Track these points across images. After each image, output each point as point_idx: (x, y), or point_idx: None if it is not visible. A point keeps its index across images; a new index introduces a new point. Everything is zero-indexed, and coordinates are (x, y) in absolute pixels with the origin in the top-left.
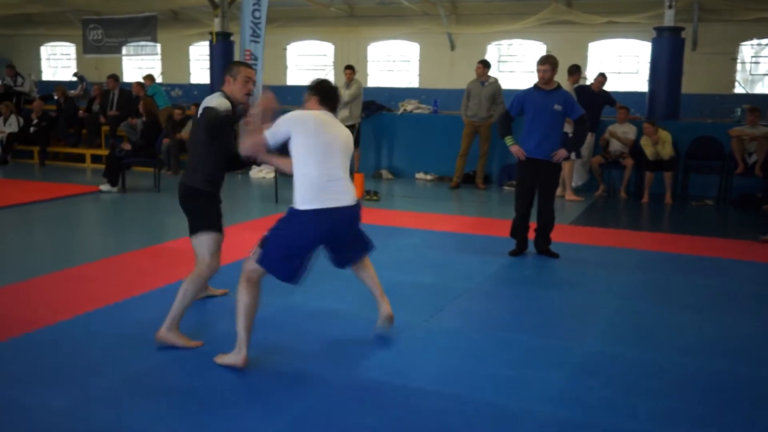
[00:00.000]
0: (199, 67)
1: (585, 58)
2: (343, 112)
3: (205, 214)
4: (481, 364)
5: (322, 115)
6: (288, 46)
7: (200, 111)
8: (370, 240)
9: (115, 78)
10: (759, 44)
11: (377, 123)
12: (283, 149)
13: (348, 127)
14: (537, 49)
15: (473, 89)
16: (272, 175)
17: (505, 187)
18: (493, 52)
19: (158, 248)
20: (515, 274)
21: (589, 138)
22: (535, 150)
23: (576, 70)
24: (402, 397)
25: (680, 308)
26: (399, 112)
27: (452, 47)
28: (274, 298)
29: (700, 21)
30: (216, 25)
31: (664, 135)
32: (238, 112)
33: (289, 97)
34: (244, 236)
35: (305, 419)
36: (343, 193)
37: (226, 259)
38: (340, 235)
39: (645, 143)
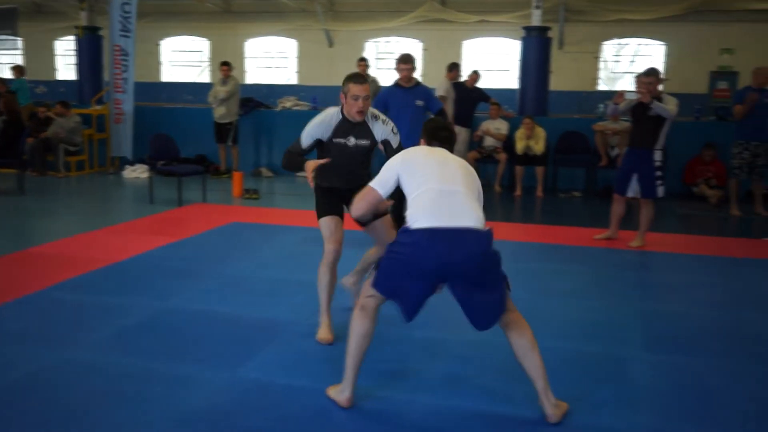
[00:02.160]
0: (65, 63)
1: (459, 55)
2: (220, 109)
3: (317, 204)
4: (364, 359)
5: (429, 147)
6: (161, 42)
7: None
8: (505, 294)
9: None
10: (619, 44)
11: (256, 120)
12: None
13: (225, 124)
14: (414, 46)
15: None
16: (146, 175)
17: None
18: (370, 49)
19: (25, 254)
20: None
21: (465, 134)
22: (403, 144)
23: (454, 68)
24: (285, 396)
25: (552, 295)
26: (278, 109)
27: (330, 44)
28: (152, 301)
29: (566, 21)
30: (83, 19)
31: (539, 131)
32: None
33: (164, 95)
34: (115, 239)
35: (187, 422)
36: (461, 210)
37: (95, 264)
38: (458, 266)
39: (519, 137)
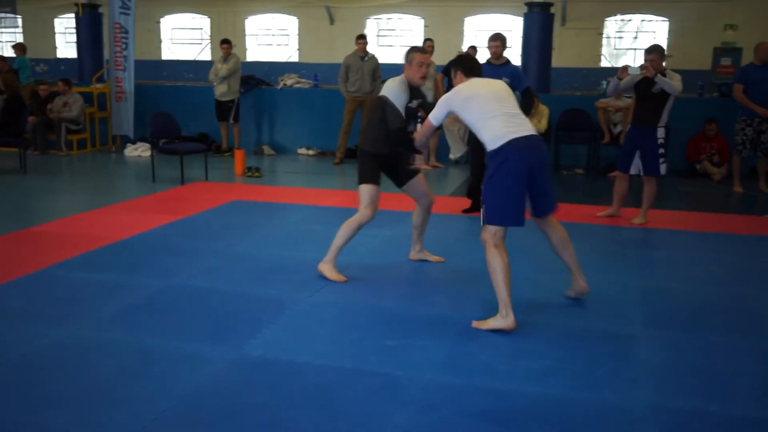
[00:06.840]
0: (65, 41)
1: (461, 32)
2: (221, 87)
3: (364, 170)
4: (366, 336)
5: (472, 81)
6: (161, 20)
7: (380, 94)
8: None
9: None
10: (622, 20)
11: (257, 98)
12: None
13: (226, 102)
14: (415, 23)
15: (353, 64)
16: (148, 153)
17: None
18: (372, 27)
19: (25, 233)
20: (396, 247)
21: None
22: None
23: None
24: (289, 372)
25: (554, 272)
26: (279, 87)
27: (331, 21)
28: (156, 279)
29: None
30: None
31: (543, 109)
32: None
33: (165, 73)
34: (118, 218)
35: (192, 400)
36: (525, 125)
37: (99, 242)
38: (536, 164)
39: None
